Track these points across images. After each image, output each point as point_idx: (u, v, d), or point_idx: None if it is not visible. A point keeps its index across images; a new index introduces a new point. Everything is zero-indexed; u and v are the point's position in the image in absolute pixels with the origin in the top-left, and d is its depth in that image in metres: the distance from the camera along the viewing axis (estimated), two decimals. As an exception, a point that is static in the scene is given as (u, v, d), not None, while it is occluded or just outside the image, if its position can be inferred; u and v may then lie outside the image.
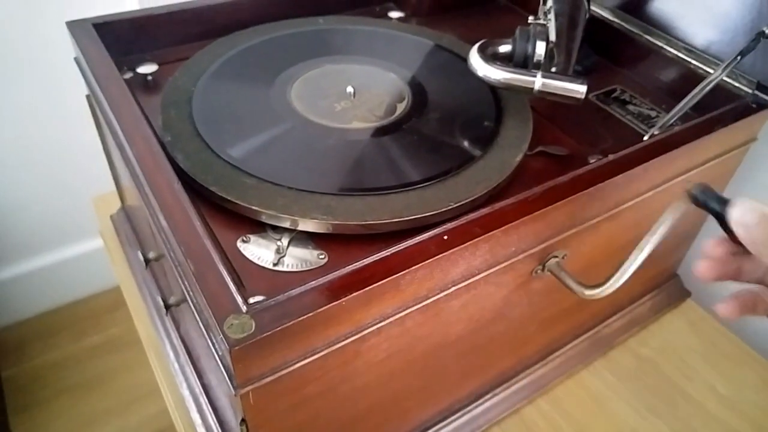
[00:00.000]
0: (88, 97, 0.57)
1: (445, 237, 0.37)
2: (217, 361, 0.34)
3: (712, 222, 0.33)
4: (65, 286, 1.26)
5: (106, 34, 0.54)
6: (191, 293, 0.36)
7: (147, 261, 0.54)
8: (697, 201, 0.34)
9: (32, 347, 1.21)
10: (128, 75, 0.56)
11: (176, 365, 0.57)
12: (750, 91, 0.52)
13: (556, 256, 0.45)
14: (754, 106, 0.51)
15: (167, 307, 0.50)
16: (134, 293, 0.66)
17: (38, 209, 1.14)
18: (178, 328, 0.58)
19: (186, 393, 0.55)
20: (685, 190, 0.34)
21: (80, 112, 0.62)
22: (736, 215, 0.30)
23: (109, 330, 1.25)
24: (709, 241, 0.34)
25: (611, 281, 0.41)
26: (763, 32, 0.47)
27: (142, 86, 0.55)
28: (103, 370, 1.18)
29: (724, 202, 0.32)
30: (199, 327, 0.36)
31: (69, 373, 1.17)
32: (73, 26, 0.55)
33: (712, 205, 0.33)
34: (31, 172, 1.09)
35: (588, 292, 0.42)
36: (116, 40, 0.55)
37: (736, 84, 0.53)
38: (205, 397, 0.52)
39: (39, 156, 1.08)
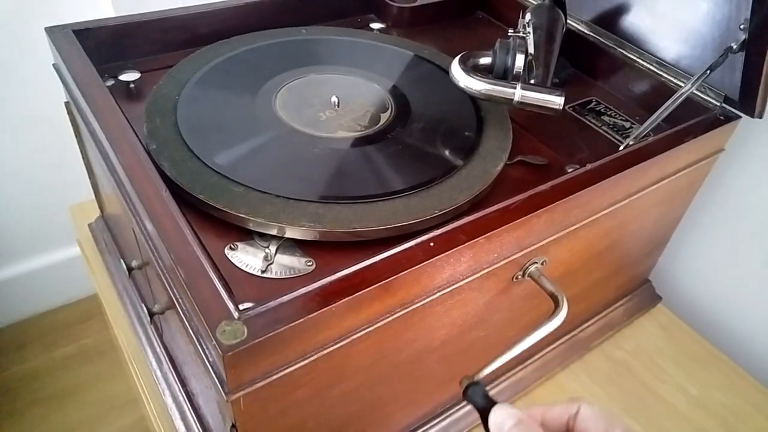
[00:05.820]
0: (67, 104, 0.57)
1: (432, 244, 0.38)
2: (207, 368, 0.34)
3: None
4: (35, 296, 1.23)
5: (86, 41, 0.54)
6: (181, 300, 0.37)
7: (130, 270, 0.53)
8: (465, 395, 0.35)
9: (3, 358, 1.18)
10: (110, 83, 0.55)
11: (158, 373, 0.57)
12: (718, 103, 0.55)
13: (536, 262, 0.47)
14: (722, 118, 0.54)
15: (151, 315, 0.49)
16: (114, 302, 0.65)
17: (11, 218, 1.12)
18: (160, 336, 0.57)
19: (169, 401, 0.54)
20: (460, 380, 0.36)
21: (56, 119, 0.61)
22: (493, 419, 0.32)
23: (80, 340, 1.22)
24: None
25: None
26: (731, 48, 0.50)
27: (125, 94, 0.55)
28: (75, 381, 1.15)
29: (490, 404, 0.33)
30: (188, 334, 0.36)
31: (41, 385, 1.15)
32: (53, 32, 0.54)
33: (478, 403, 0.34)
34: (4, 180, 1.07)
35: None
36: (97, 47, 0.55)
37: (705, 97, 0.55)
38: (188, 404, 0.52)
39: (13, 164, 1.06)
